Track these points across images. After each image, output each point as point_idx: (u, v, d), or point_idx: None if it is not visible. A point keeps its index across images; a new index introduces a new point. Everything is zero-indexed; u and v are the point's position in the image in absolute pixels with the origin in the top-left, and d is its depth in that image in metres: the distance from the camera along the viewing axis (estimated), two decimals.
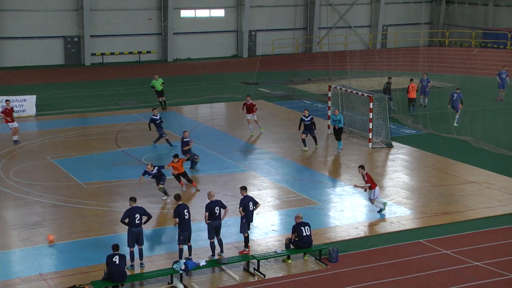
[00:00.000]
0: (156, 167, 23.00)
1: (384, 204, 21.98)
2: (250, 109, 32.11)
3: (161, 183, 23.06)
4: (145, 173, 22.84)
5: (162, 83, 37.93)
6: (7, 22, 52.13)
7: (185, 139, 26.19)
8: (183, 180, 24.07)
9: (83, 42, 54.57)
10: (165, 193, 23.08)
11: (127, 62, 55.98)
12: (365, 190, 22.09)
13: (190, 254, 18.04)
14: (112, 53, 56.05)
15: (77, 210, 22.05)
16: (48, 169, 26.50)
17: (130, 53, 56.76)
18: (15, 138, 30.22)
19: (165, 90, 38.48)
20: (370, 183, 21.64)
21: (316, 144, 29.68)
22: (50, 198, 23.08)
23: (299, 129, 29.72)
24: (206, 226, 18.31)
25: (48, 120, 35.50)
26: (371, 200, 21.84)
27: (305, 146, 29.36)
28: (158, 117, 29.61)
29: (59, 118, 35.89)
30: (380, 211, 21.83)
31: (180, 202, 18.17)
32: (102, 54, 55.67)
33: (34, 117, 35.89)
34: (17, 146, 29.79)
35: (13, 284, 16.82)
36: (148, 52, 57.38)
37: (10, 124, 30.25)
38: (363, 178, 21.88)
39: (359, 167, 22.24)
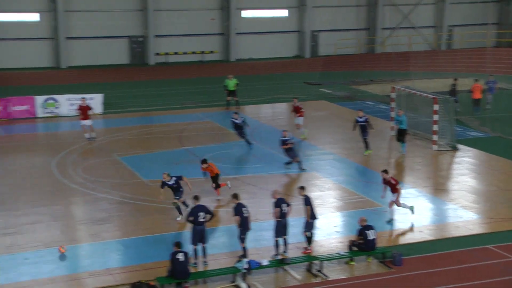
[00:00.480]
0: (174, 178, 21.19)
1: (412, 208, 21.29)
2: (297, 111, 31.82)
3: (176, 197, 21.18)
4: (163, 184, 21.17)
5: (236, 84, 38.26)
6: (75, 23, 53.46)
7: (283, 138, 26.16)
8: (213, 183, 23.17)
9: (148, 42, 55.50)
10: (179, 211, 21.09)
11: (190, 62, 56.66)
12: (382, 197, 21.57)
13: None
14: (176, 53, 56.82)
15: (142, 207, 22.43)
16: (114, 167, 27.06)
17: (193, 53, 57.43)
18: (87, 135, 30.91)
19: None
20: (396, 189, 20.94)
21: (366, 150, 28.77)
22: (116, 195, 23.55)
23: (354, 129, 29.36)
24: (269, 225, 18.32)
25: (114, 118, 36.26)
26: (396, 203, 21.08)
27: (367, 149, 28.99)
28: (239, 121, 29.50)
29: (125, 117, 36.62)
30: (390, 221, 21.14)
31: (239, 201, 18.24)
32: (166, 53, 56.52)
33: (101, 115, 36.72)
34: (86, 143, 30.50)
35: (81, 277, 17.25)
36: (211, 52, 57.92)
37: (82, 121, 31.00)
38: (389, 182, 21.10)
39: (382, 171, 21.49)
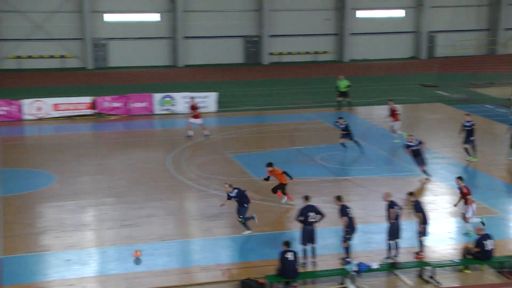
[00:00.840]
0: (236, 190, 20.00)
1: (483, 219, 19.73)
2: (392, 114, 30.86)
3: (240, 216, 19.93)
4: (228, 196, 20.23)
5: (348, 85, 37.97)
6: (193, 23, 54.85)
7: (408, 143, 25.45)
8: (280, 190, 22.63)
9: (262, 41, 56.08)
10: (246, 226, 20.02)
11: (303, 62, 56.72)
12: (455, 206, 20.49)
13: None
14: (290, 53, 57.07)
15: (252, 205, 22.56)
16: (227, 164, 27.53)
17: (307, 53, 57.45)
18: (191, 133, 31.68)
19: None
20: (467, 198, 19.74)
21: (471, 156, 27.50)
22: None
23: (460, 134, 28.04)
24: (379, 228, 18.05)
25: (228, 116, 36.93)
26: (465, 218, 19.85)
27: (469, 155, 27.63)
28: (343, 126, 28.66)
29: (238, 115, 37.20)
30: (467, 233, 19.85)
31: (342, 203, 18.05)
32: (280, 53, 56.88)
33: (215, 113, 37.48)
34: (202, 140, 31.22)
35: (193, 271, 17.68)
36: (325, 52, 57.73)
37: (191, 119, 31.76)
38: (461, 190, 19.99)
39: (457, 178, 20.29)
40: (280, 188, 22.68)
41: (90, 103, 36.56)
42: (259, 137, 32.55)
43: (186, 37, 54.73)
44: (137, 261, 18.14)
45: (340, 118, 29.40)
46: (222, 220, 21.27)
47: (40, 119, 35.53)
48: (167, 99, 37.64)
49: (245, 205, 20.05)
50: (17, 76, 49.41)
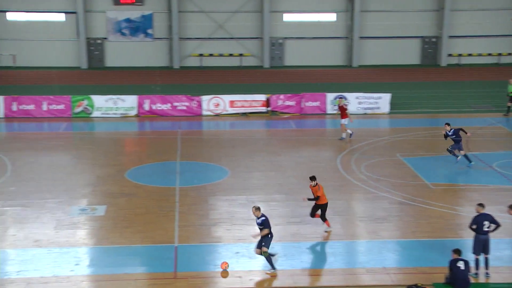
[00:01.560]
0: (263, 217, 17.33)
1: None
2: None
3: (264, 244, 17.24)
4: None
5: None
6: (369, 23, 54.40)
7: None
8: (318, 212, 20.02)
9: (441, 42, 54.35)
10: (271, 264, 17.43)
11: (484, 64, 54.25)
12: None
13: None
14: (470, 54, 54.83)
15: (422, 210, 22.07)
16: (397, 166, 26.99)
17: (489, 54, 54.86)
18: (344, 135, 31.37)
19: None
20: None
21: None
22: (397, 195, 23.49)
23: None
24: None
25: (400, 118, 36.20)
26: None
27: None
28: (450, 133, 27.00)
29: (411, 117, 36.35)
30: None
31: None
32: (459, 55, 54.83)
33: (387, 115, 36.89)
34: (366, 143, 30.90)
35: (358, 273, 17.56)
36: (510, 54, 54.79)
37: (342, 120, 31.53)
38: None
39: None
40: (318, 209, 19.92)
41: (264, 101, 37.51)
42: (432, 140, 31.56)
43: (362, 37, 54.41)
44: (303, 258, 18.33)
45: (447, 124, 27.41)
46: (390, 223, 20.92)
47: (217, 115, 37.03)
48: (340, 99, 37.59)
49: (270, 235, 17.39)
50: (198, 73, 51.89)
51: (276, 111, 37.41)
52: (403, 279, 17.06)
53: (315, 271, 17.61)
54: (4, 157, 27.96)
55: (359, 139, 31.43)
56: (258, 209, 17.45)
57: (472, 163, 26.52)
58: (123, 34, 54.58)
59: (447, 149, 27.15)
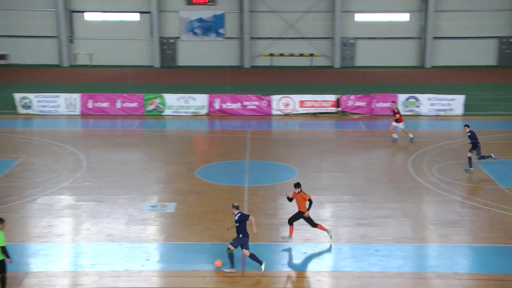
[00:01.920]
0: (239, 214, 17.31)
1: None
2: None
3: (231, 242, 17.27)
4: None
5: None
6: (443, 23, 53.38)
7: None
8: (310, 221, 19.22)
9: None
10: (231, 262, 17.35)
11: None
12: None
13: None
14: None
15: (497, 215, 21.47)
16: (473, 170, 26.36)
17: None
18: (396, 136, 30.90)
19: None
20: None
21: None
22: (470, 199, 22.94)
23: None
24: None
25: (475, 120, 35.30)
26: None
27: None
28: (470, 134, 26.16)
29: (486, 120, 35.45)
30: None
31: None
32: None
33: (460, 117, 36.08)
34: (438, 145, 30.30)
35: (428, 277, 17.22)
36: None
37: (393, 123, 30.97)
38: None
39: None
40: (298, 218, 19.30)
41: (334, 101, 37.30)
42: (508, 143, 30.67)
43: (436, 38, 53.40)
44: (371, 260, 18.13)
45: (466, 126, 26.58)
46: (461, 228, 20.44)
47: (287, 115, 37.04)
48: (412, 100, 37.05)
49: (241, 235, 17.30)
50: (268, 73, 52.05)
51: (346, 112, 37.16)
52: (474, 285, 16.64)
53: (384, 273, 17.37)
54: (80, 153, 28.79)
55: (431, 141, 30.85)
56: (235, 207, 17.39)
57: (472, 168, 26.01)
58: (195, 33, 55.36)
59: (478, 158, 26.24)
